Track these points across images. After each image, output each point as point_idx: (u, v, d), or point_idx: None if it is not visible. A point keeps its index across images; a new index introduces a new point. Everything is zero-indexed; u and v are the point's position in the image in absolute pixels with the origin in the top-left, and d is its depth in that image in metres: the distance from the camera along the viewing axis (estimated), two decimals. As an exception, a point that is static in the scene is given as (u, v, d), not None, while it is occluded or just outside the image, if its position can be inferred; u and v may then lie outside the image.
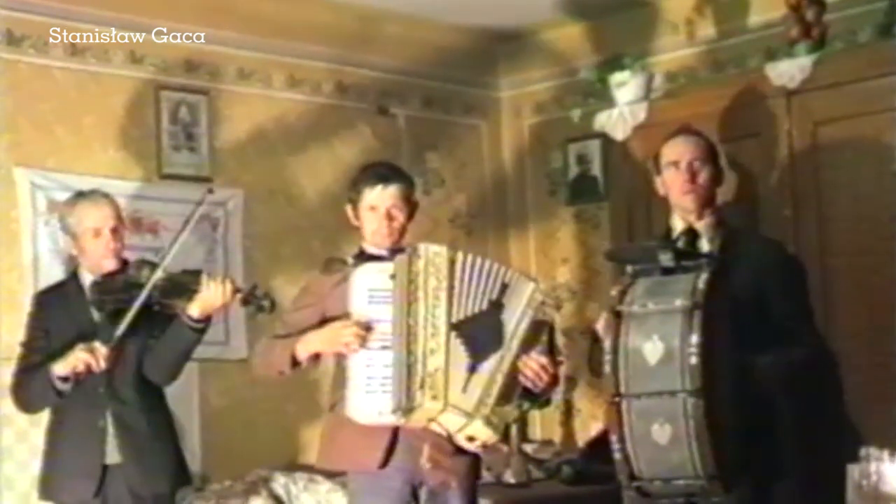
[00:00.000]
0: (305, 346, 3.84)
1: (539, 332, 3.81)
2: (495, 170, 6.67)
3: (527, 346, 3.77)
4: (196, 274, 4.14)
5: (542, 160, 6.55)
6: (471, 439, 3.77)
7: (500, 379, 3.72)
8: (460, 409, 3.69)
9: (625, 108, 5.33)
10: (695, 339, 3.37)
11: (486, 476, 5.59)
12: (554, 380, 3.83)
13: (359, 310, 3.75)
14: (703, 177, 3.93)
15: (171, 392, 4.36)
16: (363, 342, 3.71)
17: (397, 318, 3.71)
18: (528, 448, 5.95)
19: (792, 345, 3.75)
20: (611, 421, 3.47)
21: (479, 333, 3.74)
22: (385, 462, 3.80)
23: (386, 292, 3.74)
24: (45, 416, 4.32)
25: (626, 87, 5.37)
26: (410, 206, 3.98)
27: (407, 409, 3.67)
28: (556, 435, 6.25)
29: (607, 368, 3.47)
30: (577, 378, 6.04)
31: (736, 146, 4.81)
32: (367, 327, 3.72)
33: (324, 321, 3.85)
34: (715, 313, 3.43)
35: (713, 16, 5.76)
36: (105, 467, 4.14)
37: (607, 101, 5.48)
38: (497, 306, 3.77)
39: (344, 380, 3.79)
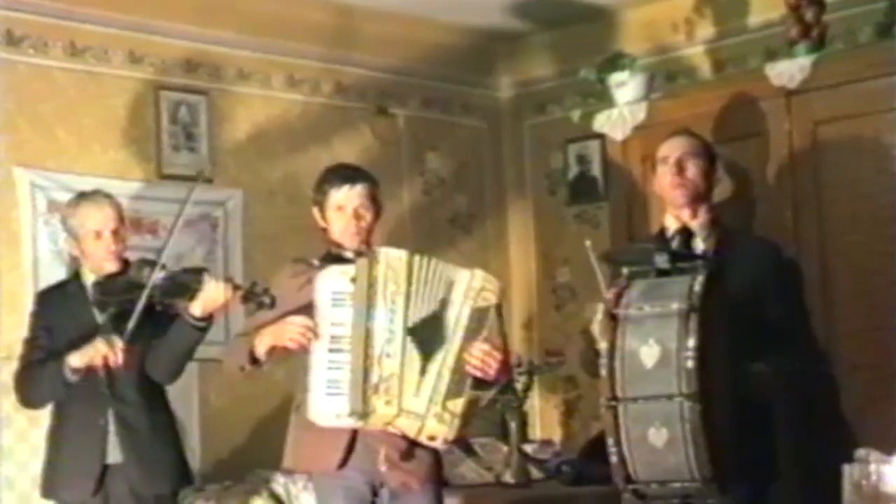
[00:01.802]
0: (260, 341, 3.85)
1: (482, 319, 3.80)
2: (495, 170, 6.67)
3: (470, 336, 3.78)
4: (197, 272, 4.15)
5: (542, 160, 6.55)
6: (431, 438, 3.80)
7: (446, 374, 3.76)
8: (414, 413, 3.74)
9: (624, 108, 5.33)
10: (691, 342, 3.36)
11: (486, 476, 5.61)
12: (504, 365, 3.83)
13: (323, 312, 3.77)
14: (691, 171, 3.93)
15: (171, 391, 4.37)
16: (308, 341, 3.74)
17: (356, 321, 3.74)
18: (528, 448, 5.94)
19: (787, 347, 3.75)
20: (607, 424, 3.47)
21: (430, 334, 3.77)
22: (343, 463, 3.82)
23: (348, 295, 3.76)
24: (45, 416, 4.33)
25: (625, 87, 5.37)
26: (376, 206, 4.01)
27: (362, 413, 3.71)
28: (556, 435, 6.25)
29: (603, 372, 3.47)
30: (577, 378, 6.03)
31: (736, 146, 4.81)
32: (313, 326, 3.73)
33: None
34: (711, 316, 3.43)
35: (713, 16, 5.76)
36: (105, 466, 4.15)
37: (607, 101, 5.47)
38: (443, 304, 3.79)
39: (307, 381, 3.80)
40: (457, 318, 3.78)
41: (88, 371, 4.06)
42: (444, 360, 3.76)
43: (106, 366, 4.04)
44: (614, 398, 3.45)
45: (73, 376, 4.07)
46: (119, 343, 4.02)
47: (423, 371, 3.76)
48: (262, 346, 3.85)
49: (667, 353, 3.39)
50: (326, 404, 3.74)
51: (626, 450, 3.45)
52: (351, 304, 3.75)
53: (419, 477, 3.89)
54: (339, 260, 3.91)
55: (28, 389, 4.24)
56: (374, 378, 3.71)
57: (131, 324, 4.04)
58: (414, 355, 3.76)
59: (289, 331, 3.77)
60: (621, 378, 3.44)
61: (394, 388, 3.73)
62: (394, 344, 3.74)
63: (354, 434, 3.81)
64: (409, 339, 3.75)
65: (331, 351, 3.75)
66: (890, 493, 3.69)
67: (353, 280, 3.76)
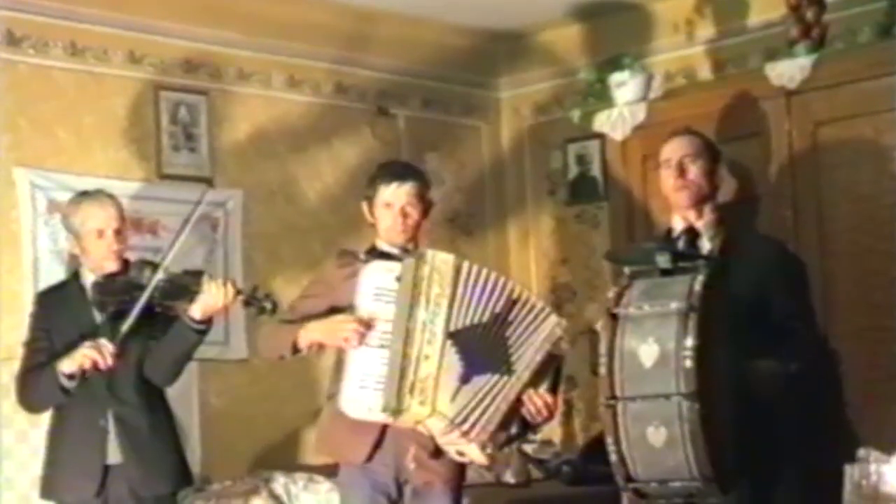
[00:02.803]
0: (307, 335, 3.88)
1: (549, 365, 3.82)
2: (495, 170, 6.67)
3: (536, 378, 3.78)
4: (197, 275, 4.14)
5: (542, 160, 6.55)
6: (461, 454, 3.82)
7: (503, 407, 3.75)
8: (446, 417, 3.73)
9: (624, 108, 5.33)
10: (689, 341, 3.36)
11: (487, 476, 5.60)
12: (551, 416, 3.87)
13: (364, 306, 3.78)
14: (693, 172, 3.94)
15: (171, 392, 4.36)
16: (361, 339, 3.74)
17: (398, 320, 3.74)
18: (528, 448, 5.94)
19: (792, 345, 3.75)
20: (606, 423, 3.47)
21: (476, 344, 3.76)
22: (370, 457, 3.86)
23: (391, 292, 3.77)
24: (45, 417, 4.32)
25: (625, 87, 5.37)
26: (425, 204, 4.01)
27: (395, 410, 3.71)
28: (556, 435, 6.24)
29: (602, 371, 3.47)
30: (577, 378, 6.03)
31: (736, 146, 4.80)
32: (368, 325, 3.75)
33: (331, 311, 3.88)
34: (711, 315, 3.42)
35: (713, 16, 5.76)
36: (106, 467, 4.15)
37: (607, 101, 5.47)
38: (501, 321, 3.78)
39: (342, 372, 3.82)
40: (532, 356, 3.77)
41: (84, 374, 4.05)
42: (503, 390, 3.75)
43: (96, 368, 4.03)
44: (613, 397, 3.45)
45: (69, 382, 4.06)
46: (108, 346, 4.01)
47: (465, 379, 3.74)
48: (306, 340, 3.88)
49: (665, 353, 3.39)
50: (359, 397, 3.75)
51: (626, 449, 3.45)
52: (393, 302, 3.76)
53: (443, 476, 3.91)
54: (385, 256, 3.92)
55: (28, 395, 4.24)
56: (410, 377, 3.71)
57: (126, 325, 4.03)
58: (454, 360, 3.74)
59: (342, 330, 3.77)
60: (620, 377, 3.45)
61: (429, 390, 3.71)
62: (433, 346, 3.73)
63: (384, 429, 3.83)
64: (449, 342, 3.74)
65: (370, 346, 3.76)
66: (889, 493, 3.69)
67: (398, 279, 3.77)
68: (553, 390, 3.84)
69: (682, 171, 3.94)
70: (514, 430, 3.83)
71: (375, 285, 3.79)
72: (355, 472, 3.93)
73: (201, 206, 4.25)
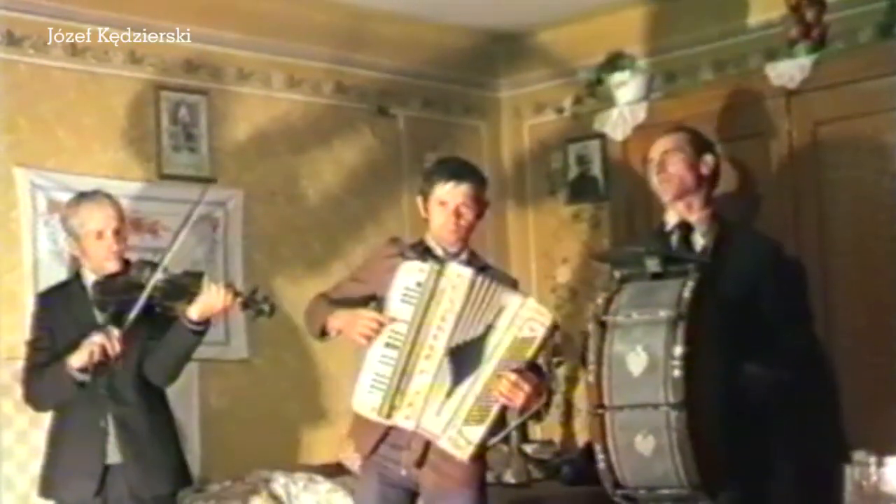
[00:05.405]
0: (333, 321, 3.90)
1: (522, 349, 3.76)
2: (495, 170, 6.64)
3: (504, 365, 3.74)
4: (197, 276, 4.15)
5: (542, 160, 6.55)
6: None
7: (470, 400, 3.75)
8: (430, 432, 3.76)
9: (625, 108, 5.34)
10: (678, 350, 3.35)
11: (487, 476, 5.60)
12: (534, 395, 3.77)
13: (392, 305, 3.79)
14: (672, 166, 3.94)
15: (171, 392, 4.37)
16: (373, 339, 3.76)
17: (409, 329, 3.76)
18: (529, 448, 5.94)
19: (780, 350, 3.73)
20: (594, 431, 3.47)
21: (468, 357, 3.76)
22: (375, 448, 3.86)
23: (415, 295, 3.77)
24: (45, 417, 4.33)
25: (625, 87, 5.38)
26: (480, 206, 3.97)
27: (385, 417, 3.77)
28: (557, 435, 6.24)
29: (591, 378, 3.46)
30: (577, 378, 6.03)
31: (736, 146, 4.82)
32: (382, 325, 3.75)
33: (369, 298, 3.91)
34: (701, 321, 3.41)
35: (713, 16, 5.76)
36: (106, 467, 4.15)
37: (607, 101, 5.48)
38: (488, 329, 3.77)
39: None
40: (496, 345, 3.75)
41: (95, 366, 4.05)
42: (472, 385, 3.75)
43: (106, 357, 4.03)
44: (601, 406, 3.44)
45: (82, 375, 4.06)
46: (115, 333, 4.02)
47: (449, 393, 3.76)
48: (332, 326, 3.90)
49: (654, 361, 3.39)
50: (366, 395, 3.78)
51: (614, 457, 3.45)
52: (413, 305, 3.76)
53: (456, 479, 3.87)
54: (429, 253, 3.90)
55: (35, 392, 4.25)
56: (402, 388, 3.74)
57: (131, 315, 4.04)
58: (446, 377, 3.75)
59: (359, 326, 3.79)
60: (608, 385, 3.44)
61: (417, 405, 3.75)
62: (431, 361, 3.75)
63: (388, 430, 3.84)
64: (447, 359, 3.75)
65: (387, 345, 3.78)
66: (890, 493, 3.69)
67: (419, 286, 3.76)
68: (531, 372, 3.76)
69: (662, 166, 3.95)
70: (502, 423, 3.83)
71: (405, 286, 3.78)
72: (368, 464, 3.93)
73: (201, 205, 4.23)
